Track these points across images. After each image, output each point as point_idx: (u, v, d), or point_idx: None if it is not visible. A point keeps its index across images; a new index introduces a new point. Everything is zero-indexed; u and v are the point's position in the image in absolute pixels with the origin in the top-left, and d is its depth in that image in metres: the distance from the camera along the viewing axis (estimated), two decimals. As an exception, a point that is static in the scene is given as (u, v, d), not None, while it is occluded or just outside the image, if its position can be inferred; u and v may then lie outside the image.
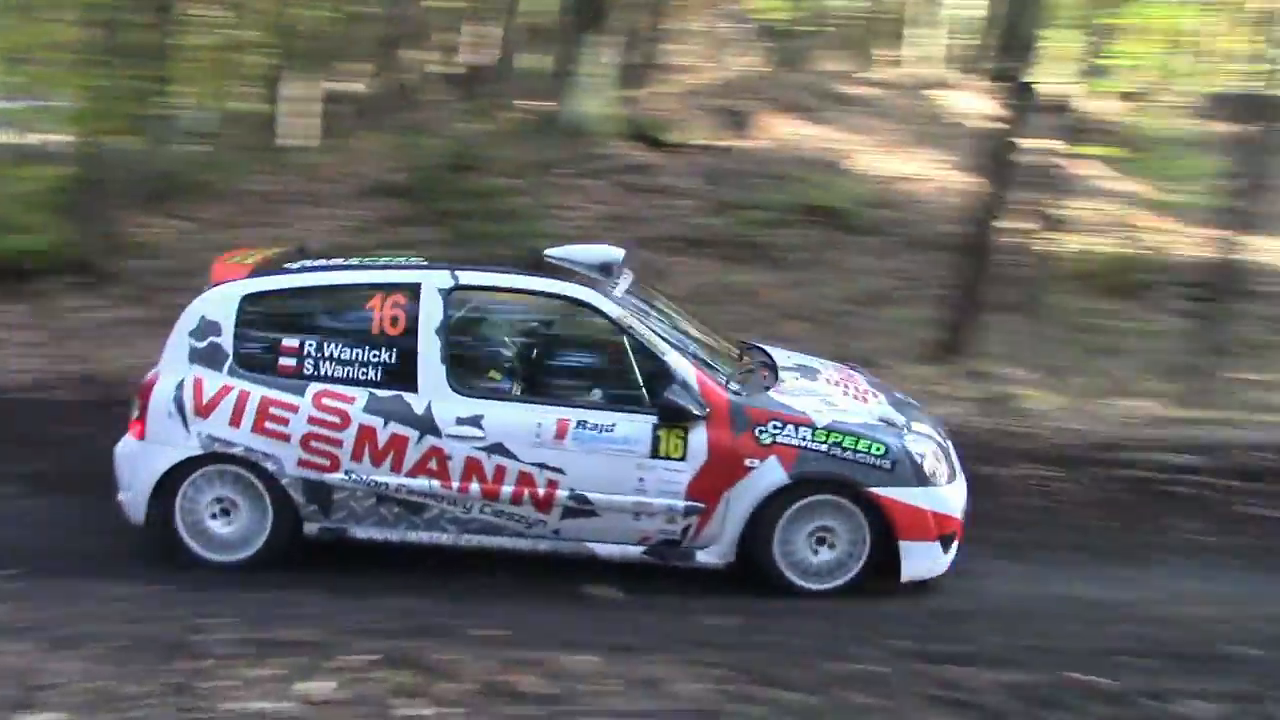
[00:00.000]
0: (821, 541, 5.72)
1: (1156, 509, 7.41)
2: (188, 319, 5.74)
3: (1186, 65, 20.96)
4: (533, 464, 5.55)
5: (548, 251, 6.22)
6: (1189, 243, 13.11)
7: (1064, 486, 7.66)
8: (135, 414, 5.76)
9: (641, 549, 5.72)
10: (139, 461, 5.69)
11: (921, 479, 5.71)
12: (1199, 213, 13.02)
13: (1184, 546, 6.85)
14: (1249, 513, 7.40)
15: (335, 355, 5.64)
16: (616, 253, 6.20)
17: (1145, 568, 6.49)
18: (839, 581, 5.73)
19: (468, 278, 5.79)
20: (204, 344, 5.67)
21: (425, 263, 5.94)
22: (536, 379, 5.94)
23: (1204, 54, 23.39)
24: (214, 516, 5.75)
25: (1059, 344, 10.86)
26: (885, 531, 5.65)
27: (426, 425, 5.57)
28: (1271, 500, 7.61)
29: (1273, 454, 8.37)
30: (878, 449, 5.67)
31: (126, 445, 5.78)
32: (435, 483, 5.61)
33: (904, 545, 5.66)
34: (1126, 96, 18.26)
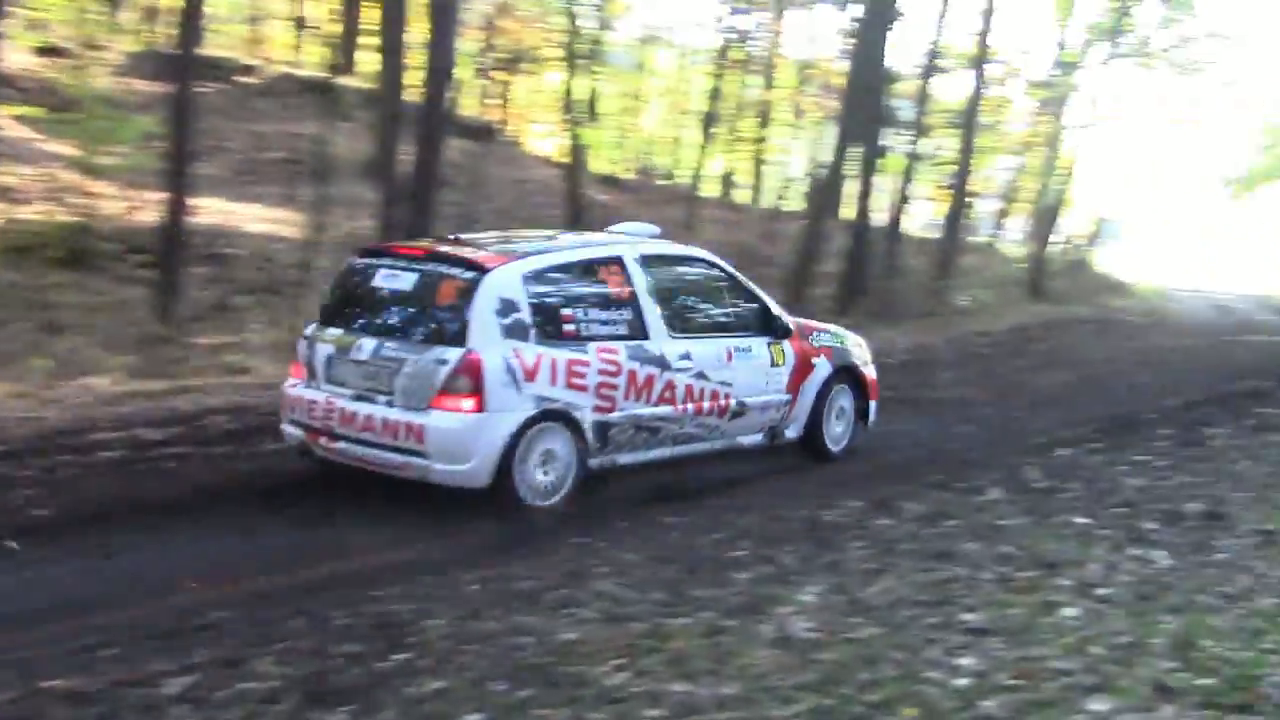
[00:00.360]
0: (838, 416, 9.06)
1: (133, 486, 7.44)
2: (487, 300, 6.91)
3: (112, 20, 21.14)
4: (719, 383, 8.03)
5: (609, 228, 8.97)
6: (132, 207, 13.31)
7: (31, 477, 7.35)
8: (464, 390, 6.73)
9: (760, 435, 8.52)
10: (481, 431, 6.77)
11: (868, 356, 9.46)
12: (139, 175, 13.25)
13: (167, 522, 6.92)
14: (221, 479, 7.80)
15: (595, 317, 7.40)
16: (656, 229, 8.65)
17: (139, 551, 6.48)
18: (845, 445, 9.14)
19: (647, 249, 8.10)
20: (509, 320, 6.95)
21: (606, 239, 8.36)
22: (705, 319, 8.32)
23: (129, 9, 23.82)
24: (539, 466, 7.07)
25: (-2, 327, 10.38)
26: (859, 397, 9.21)
27: (663, 364, 7.67)
28: (232, 460, 8.16)
29: (231, 415, 8.97)
30: (851, 340, 9.36)
31: (458, 420, 6.73)
32: (669, 408, 7.72)
33: (873, 404, 9.35)
34: (49, 52, 17.79)
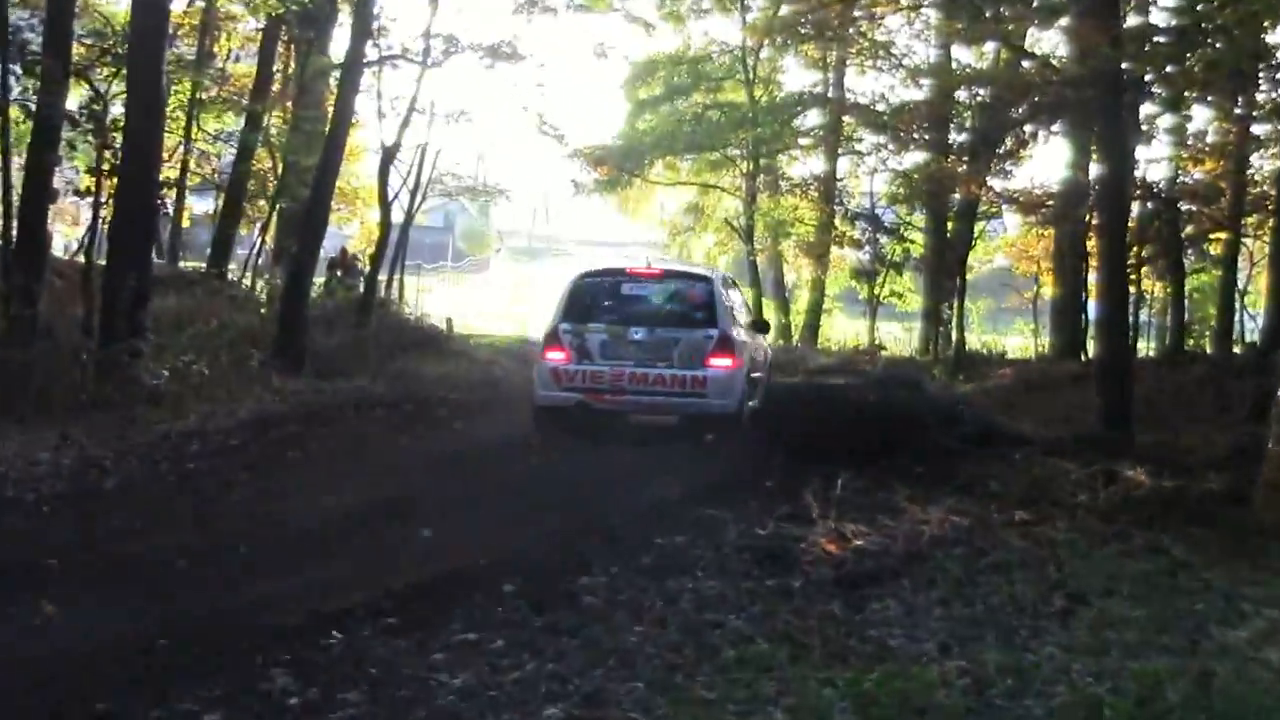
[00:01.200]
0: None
1: None
2: (719, 297, 21.86)
3: None
4: (760, 360, 25.64)
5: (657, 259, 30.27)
6: None
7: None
8: (724, 353, 21.00)
9: (757, 400, 24.08)
10: (736, 378, 21.15)
11: None
12: None
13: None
14: None
15: (733, 311, 23.34)
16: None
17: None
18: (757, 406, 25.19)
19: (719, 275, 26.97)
20: (728, 310, 22.52)
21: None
22: (749, 317, 28.11)
23: None
24: (748, 401, 22.52)
25: None
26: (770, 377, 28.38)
27: (756, 344, 25.43)
28: None
29: None
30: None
31: (725, 371, 20.90)
32: (759, 373, 24.54)
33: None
34: None
